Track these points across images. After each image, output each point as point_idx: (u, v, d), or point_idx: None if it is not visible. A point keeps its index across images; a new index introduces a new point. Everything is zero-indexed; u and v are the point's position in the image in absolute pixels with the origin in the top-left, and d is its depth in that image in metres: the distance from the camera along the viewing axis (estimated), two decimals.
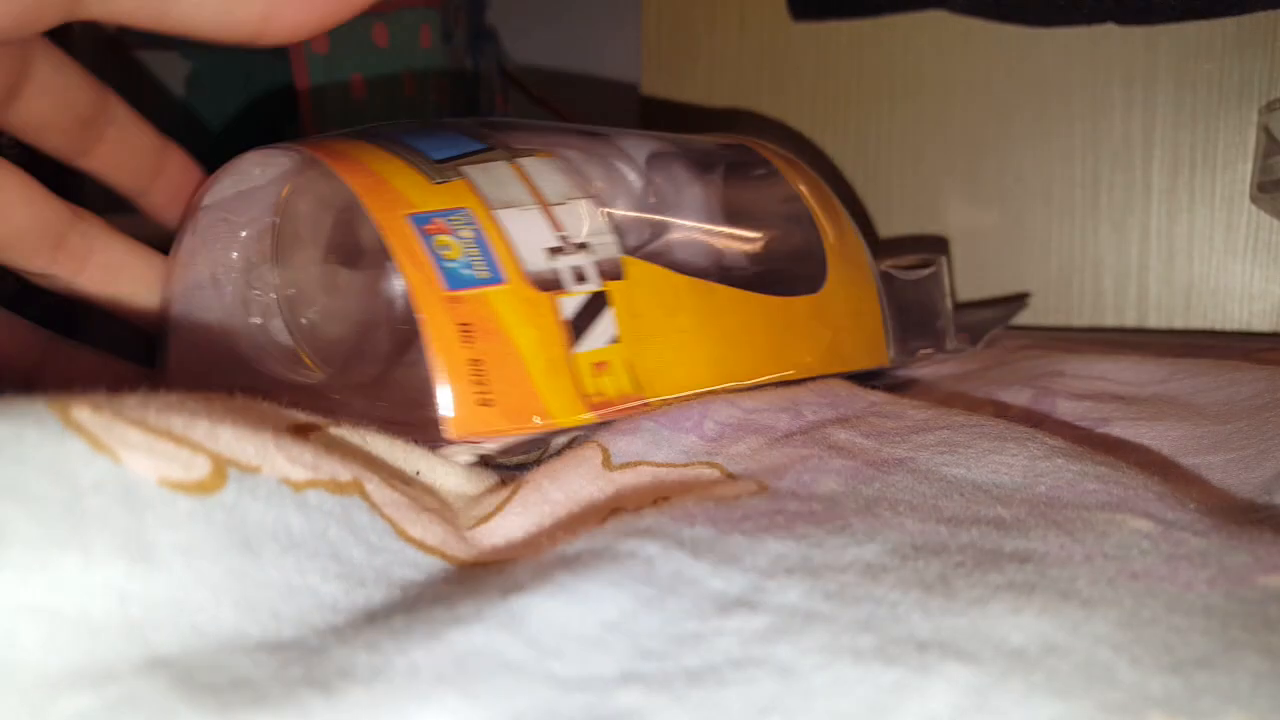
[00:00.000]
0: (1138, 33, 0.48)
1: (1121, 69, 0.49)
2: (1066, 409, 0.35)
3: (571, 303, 0.29)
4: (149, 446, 0.18)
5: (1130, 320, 0.49)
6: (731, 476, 0.26)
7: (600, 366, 0.29)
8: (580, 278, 0.29)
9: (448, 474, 0.26)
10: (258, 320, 0.32)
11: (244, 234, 0.32)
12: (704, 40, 0.58)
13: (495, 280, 0.28)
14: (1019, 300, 0.51)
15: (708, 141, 0.39)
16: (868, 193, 0.54)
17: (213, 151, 0.56)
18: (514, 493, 0.25)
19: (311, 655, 0.16)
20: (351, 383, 0.29)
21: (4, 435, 0.16)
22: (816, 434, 0.29)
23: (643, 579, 0.19)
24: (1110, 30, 0.49)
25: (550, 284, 0.29)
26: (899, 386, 0.39)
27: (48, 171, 0.43)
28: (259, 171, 0.31)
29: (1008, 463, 0.26)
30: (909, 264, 0.41)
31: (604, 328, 0.29)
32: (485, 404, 0.27)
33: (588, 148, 0.34)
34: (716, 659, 0.17)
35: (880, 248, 0.52)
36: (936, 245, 0.53)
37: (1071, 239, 0.50)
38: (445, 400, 0.26)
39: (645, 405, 0.30)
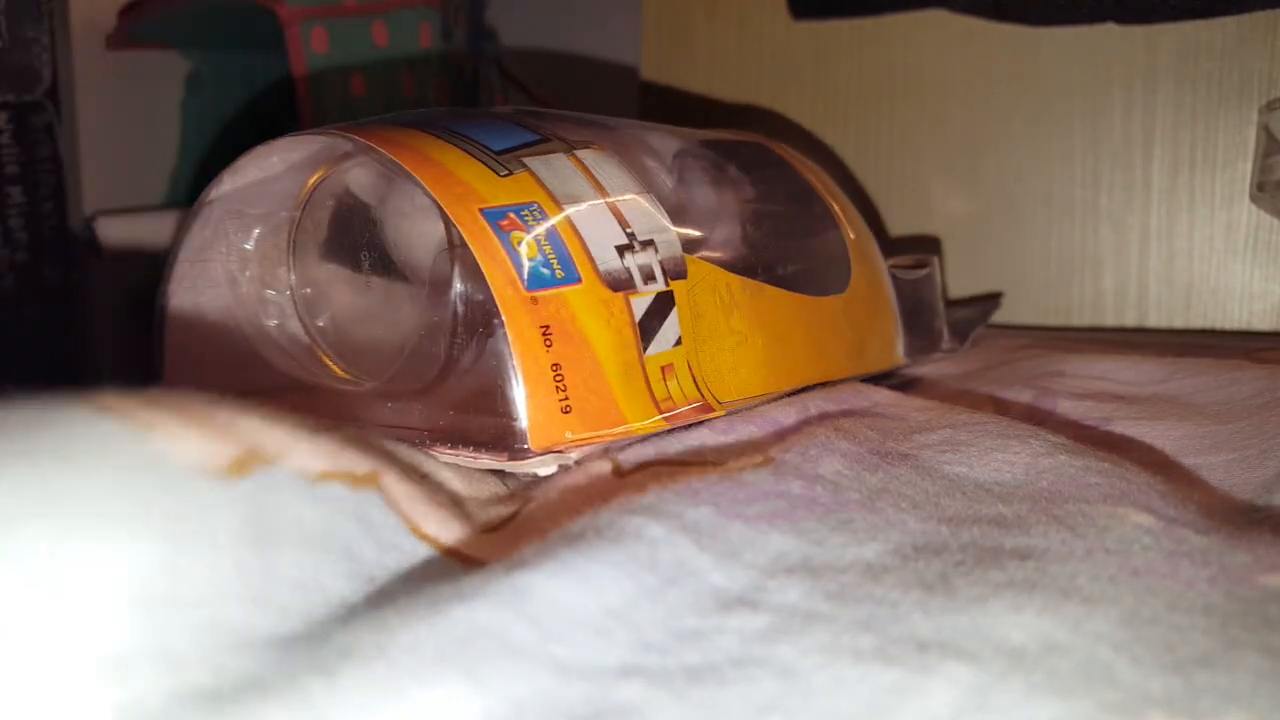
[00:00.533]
0: (1138, 32, 0.48)
1: (1121, 68, 0.49)
2: (1068, 409, 0.35)
3: (641, 303, 0.28)
4: (183, 432, 0.18)
5: (1130, 320, 0.49)
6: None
7: (667, 370, 0.28)
8: (649, 277, 0.28)
9: (451, 478, 0.26)
10: (274, 321, 0.30)
11: (258, 229, 0.31)
12: (703, 38, 0.58)
13: (571, 280, 0.26)
14: (994, 299, 0.51)
15: (726, 138, 0.39)
16: (865, 190, 0.54)
17: (213, 150, 0.56)
18: (523, 507, 0.25)
19: (315, 642, 0.16)
20: (394, 391, 0.28)
21: (53, 420, 0.16)
22: (825, 421, 0.29)
23: (646, 564, 0.19)
24: (1110, 29, 0.48)
25: (623, 283, 0.27)
26: (902, 387, 0.39)
27: (44, 169, 0.43)
28: (277, 159, 0.30)
29: (1010, 460, 0.26)
30: (904, 264, 0.41)
31: (670, 329, 0.28)
32: (566, 411, 0.26)
33: (625, 142, 0.33)
34: (717, 657, 0.17)
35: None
36: (928, 245, 0.53)
37: (1071, 239, 0.50)
38: (528, 409, 0.25)
39: (708, 410, 0.29)
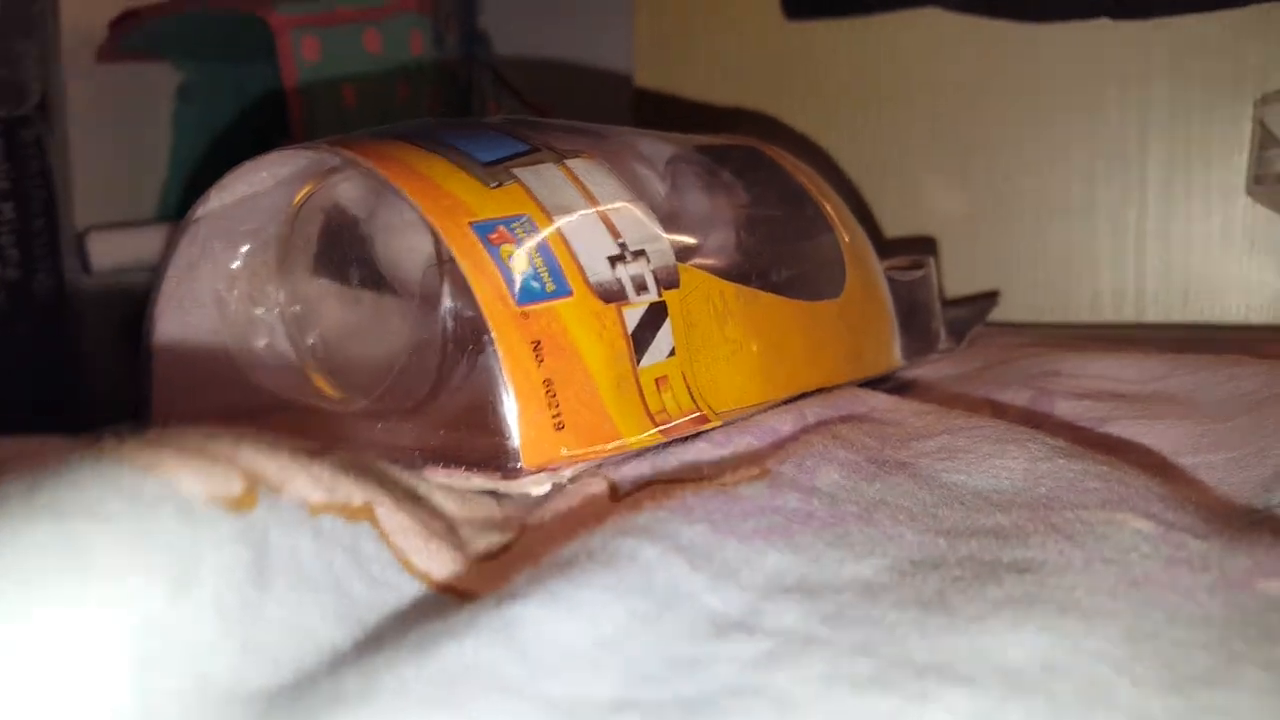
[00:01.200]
0: (1132, 27, 0.48)
1: (1116, 64, 0.48)
2: (1066, 409, 0.35)
3: (634, 314, 0.27)
4: (190, 465, 0.18)
5: (1128, 316, 0.49)
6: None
7: (661, 382, 0.27)
8: (641, 287, 0.28)
9: (445, 501, 0.25)
10: (263, 341, 0.30)
11: (246, 246, 0.30)
12: (695, 42, 0.58)
13: (562, 293, 0.26)
14: (991, 297, 0.51)
15: (719, 143, 0.38)
16: (860, 191, 0.54)
17: (204, 161, 0.56)
18: (519, 536, 0.24)
19: (302, 691, 0.16)
20: (385, 410, 0.27)
21: (74, 466, 0.16)
22: (822, 428, 0.28)
23: (639, 589, 0.18)
24: (1104, 25, 0.48)
25: (615, 295, 0.27)
26: (899, 389, 0.39)
27: (35, 184, 0.43)
28: (266, 175, 0.29)
29: (1008, 466, 0.26)
30: (900, 265, 0.41)
31: (664, 340, 0.28)
32: (559, 428, 0.25)
33: (617, 150, 0.32)
34: (713, 687, 0.16)
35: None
36: (923, 245, 0.52)
37: (1068, 236, 0.50)
38: (520, 426, 0.25)
39: (704, 421, 0.28)
